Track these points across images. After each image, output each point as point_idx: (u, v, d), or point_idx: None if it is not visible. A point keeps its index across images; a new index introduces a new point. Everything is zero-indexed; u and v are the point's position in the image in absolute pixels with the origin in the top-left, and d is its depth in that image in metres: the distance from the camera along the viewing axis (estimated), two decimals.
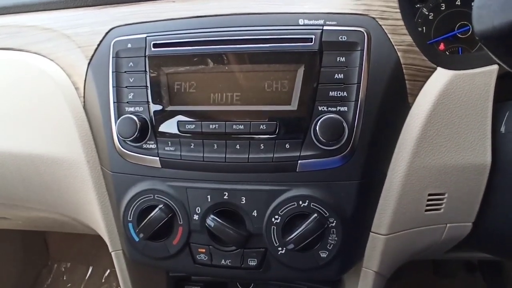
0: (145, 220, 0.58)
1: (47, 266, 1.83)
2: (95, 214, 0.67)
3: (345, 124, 0.52)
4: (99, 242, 1.88)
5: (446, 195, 0.58)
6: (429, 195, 0.58)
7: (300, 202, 0.55)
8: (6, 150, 0.69)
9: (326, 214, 0.55)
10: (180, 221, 0.59)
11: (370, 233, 0.60)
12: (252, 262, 0.59)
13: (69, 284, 1.79)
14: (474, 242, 0.65)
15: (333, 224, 0.55)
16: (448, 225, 0.61)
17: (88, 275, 1.79)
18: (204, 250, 0.60)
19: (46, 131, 0.67)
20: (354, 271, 0.64)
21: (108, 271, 1.79)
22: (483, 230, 0.61)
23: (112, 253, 0.69)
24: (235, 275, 0.61)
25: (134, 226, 0.60)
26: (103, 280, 1.78)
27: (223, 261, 0.59)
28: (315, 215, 0.54)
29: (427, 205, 0.58)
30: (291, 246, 0.54)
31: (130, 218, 0.60)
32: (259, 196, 0.56)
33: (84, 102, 0.65)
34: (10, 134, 0.69)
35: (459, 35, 0.74)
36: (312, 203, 0.55)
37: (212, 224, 0.56)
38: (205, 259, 0.60)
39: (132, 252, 0.64)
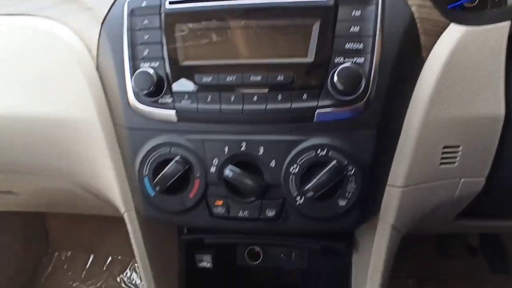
0: (161, 173, 0.58)
1: (47, 255, 1.81)
2: (107, 175, 0.67)
3: (362, 74, 0.53)
4: (100, 230, 1.87)
5: (460, 148, 0.59)
6: (444, 147, 0.58)
7: (319, 151, 0.55)
8: (15, 114, 0.69)
9: (344, 162, 0.55)
10: (197, 174, 0.59)
11: (387, 186, 0.60)
12: (270, 213, 0.58)
13: (70, 273, 1.77)
14: (486, 201, 0.66)
15: (352, 172, 0.55)
16: (462, 179, 0.62)
17: (89, 263, 1.78)
18: (221, 203, 0.59)
19: (57, 93, 0.66)
20: (370, 225, 0.64)
21: (110, 258, 1.77)
22: (495, 185, 0.62)
23: (125, 214, 0.69)
24: (252, 228, 0.61)
25: (149, 180, 0.60)
26: (104, 268, 1.76)
27: (240, 213, 0.59)
28: (334, 162, 0.54)
29: (442, 158, 0.59)
30: (310, 194, 0.55)
31: (145, 172, 0.60)
32: (277, 146, 0.56)
33: (97, 63, 0.65)
34: (19, 97, 0.68)
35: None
36: (330, 152, 0.55)
37: (230, 174, 0.56)
38: (222, 211, 0.60)
39: (147, 208, 0.64)
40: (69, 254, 1.81)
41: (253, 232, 0.62)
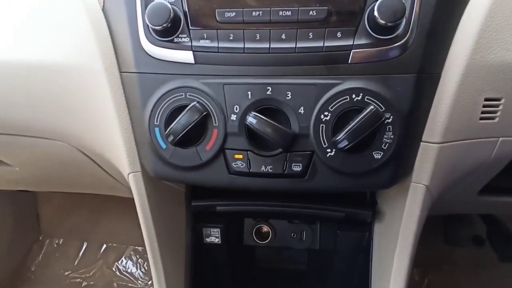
0: (175, 121, 0.52)
1: (38, 242, 1.73)
2: (110, 131, 0.60)
3: (405, 6, 0.48)
4: (93, 217, 1.78)
5: (502, 101, 0.54)
6: (485, 100, 0.54)
7: (353, 96, 0.49)
8: (6, 59, 0.61)
9: (382, 108, 0.50)
10: (215, 123, 0.53)
11: (421, 143, 0.55)
12: (297, 168, 0.53)
13: (62, 261, 1.69)
14: None
15: (390, 120, 0.50)
16: (500, 139, 0.57)
17: (82, 251, 1.70)
18: (241, 157, 0.53)
19: (56, 36, 0.60)
20: (400, 190, 0.59)
21: (104, 246, 1.70)
22: None
23: (130, 176, 0.62)
24: (275, 186, 0.55)
25: (161, 131, 0.54)
26: (98, 256, 1.68)
27: (263, 168, 0.53)
28: (372, 107, 0.48)
29: (482, 112, 0.54)
30: (343, 144, 0.49)
31: (156, 122, 0.54)
32: (307, 90, 0.51)
33: (103, 3, 0.59)
34: (10, 40, 0.61)
35: None
36: (366, 97, 0.49)
37: (253, 122, 0.50)
38: (242, 166, 0.53)
39: (156, 165, 0.57)
40: (61, 241, 1.73)
41: (276, 191, 0.55)
